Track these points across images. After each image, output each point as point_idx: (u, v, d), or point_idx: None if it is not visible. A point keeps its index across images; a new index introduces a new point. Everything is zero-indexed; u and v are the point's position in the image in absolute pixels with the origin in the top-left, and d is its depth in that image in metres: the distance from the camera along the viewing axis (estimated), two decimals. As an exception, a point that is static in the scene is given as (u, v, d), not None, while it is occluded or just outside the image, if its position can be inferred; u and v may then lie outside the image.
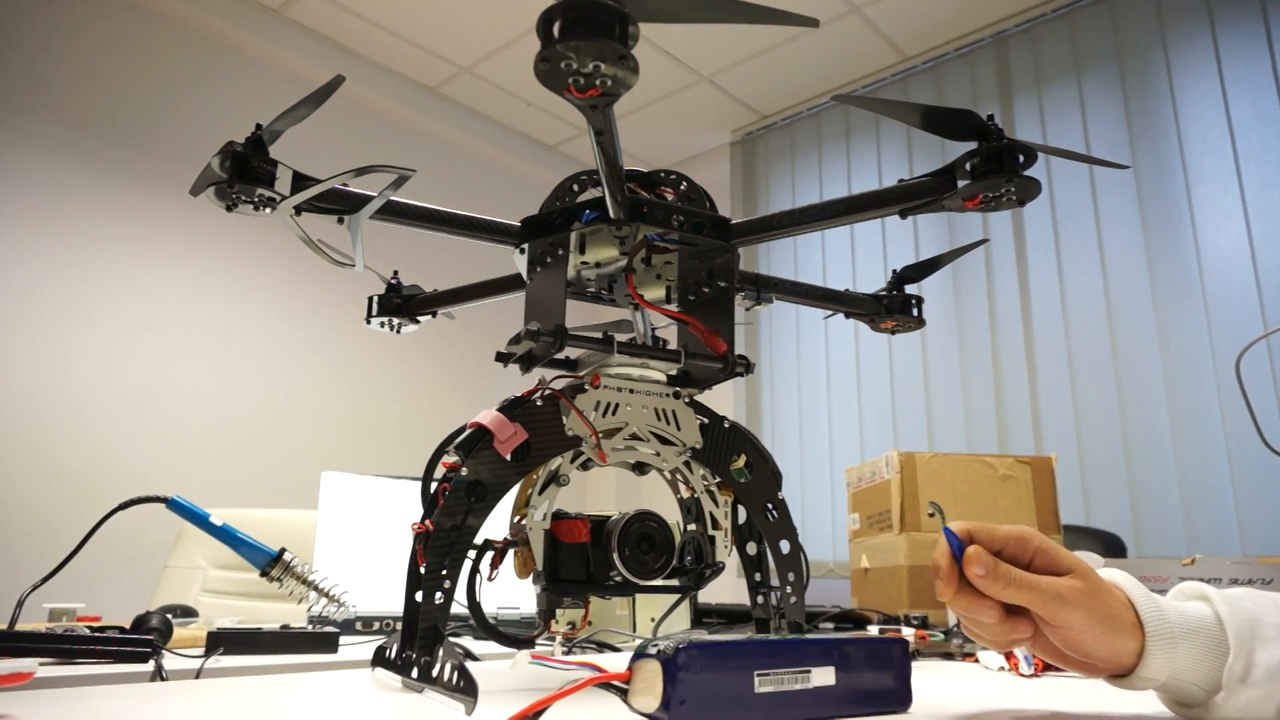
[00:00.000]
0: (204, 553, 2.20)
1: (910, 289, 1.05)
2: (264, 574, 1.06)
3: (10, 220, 2.62)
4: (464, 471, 0.73)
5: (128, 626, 0.97)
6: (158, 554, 2.22)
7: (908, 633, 1.34)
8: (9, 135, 2.64)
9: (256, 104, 3.23)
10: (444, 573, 0.71)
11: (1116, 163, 0.72)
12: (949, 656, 1.25)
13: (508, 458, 0.75)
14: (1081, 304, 2.88)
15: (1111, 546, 2.27)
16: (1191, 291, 2.67)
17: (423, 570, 0.71)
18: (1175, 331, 2.67)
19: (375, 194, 0.78)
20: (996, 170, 0.68)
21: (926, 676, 0.87)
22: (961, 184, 0.71)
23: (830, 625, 1.87)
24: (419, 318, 1.08)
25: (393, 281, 1.07)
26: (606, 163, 0.68)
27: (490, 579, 0.77)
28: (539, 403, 0.78)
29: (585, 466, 0.82)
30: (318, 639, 1.03)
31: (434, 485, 0.77)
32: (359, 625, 1.41)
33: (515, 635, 0.76)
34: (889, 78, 3.50)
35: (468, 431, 0.77)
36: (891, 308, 1.04)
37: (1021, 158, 0.68)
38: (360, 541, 1.58)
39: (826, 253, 3.58)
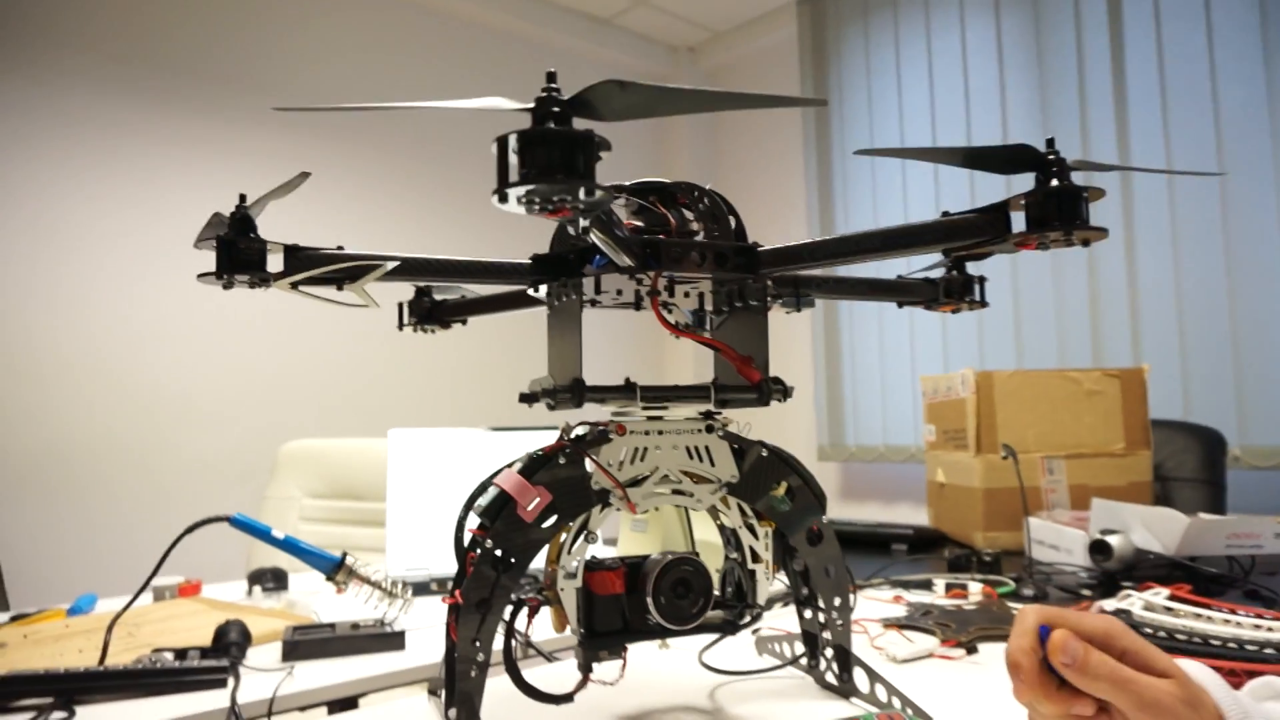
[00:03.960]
0: (298, 482, 2.32)
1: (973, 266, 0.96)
2: (329, 578, 1.10)
3: (70, 158, 2.66)
4: (489, 544, 0.72)
5: (210, 642, 1.03)
6: (257, 476, 2.36)
7: (975, 588, 1.32)
8: (60, 73, 2.64)
9: (293, 16, 3.13)
10: (476, 644, 0.72)
11: (1207, 172, 0.61)
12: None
13: (532, 522, 0.74)
14: (1190, 163, 2.60)
15: (1210, 442, 2.16)
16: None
17: (455, 644, 0.71)
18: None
19: (375, 256, 0.73)
20: (1054, 217, 0.58)
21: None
22: (1015, 226, 0.62)
23: (904, 547, 1.87)
24: (451, 323, 1.05)
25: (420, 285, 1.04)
26: (603, 241, 0.61)
27: (525, 637, 0.77)
28: (562, 461, 0.76)
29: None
30: (385, 639, 1.08)
31: (466, 536, 0.77)
32: (435, 586, 1.48)
33: (554, 696, 0.76)
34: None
35: (490, 494, 0.76)
36: (951, 291, 0.95)
37: (1085, 196, 0.58)
38: (431, 496, 1.62)
39: (907, 175, 3.32)
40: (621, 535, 1.39)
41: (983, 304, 0.95)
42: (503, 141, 0.46)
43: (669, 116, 4.10)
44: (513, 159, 0.46)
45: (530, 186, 0.45)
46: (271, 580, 1.48)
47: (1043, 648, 0.53)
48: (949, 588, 1.32)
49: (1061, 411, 1.79)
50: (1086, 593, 1.31)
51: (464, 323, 1.04)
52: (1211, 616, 1.05)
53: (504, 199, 0.47)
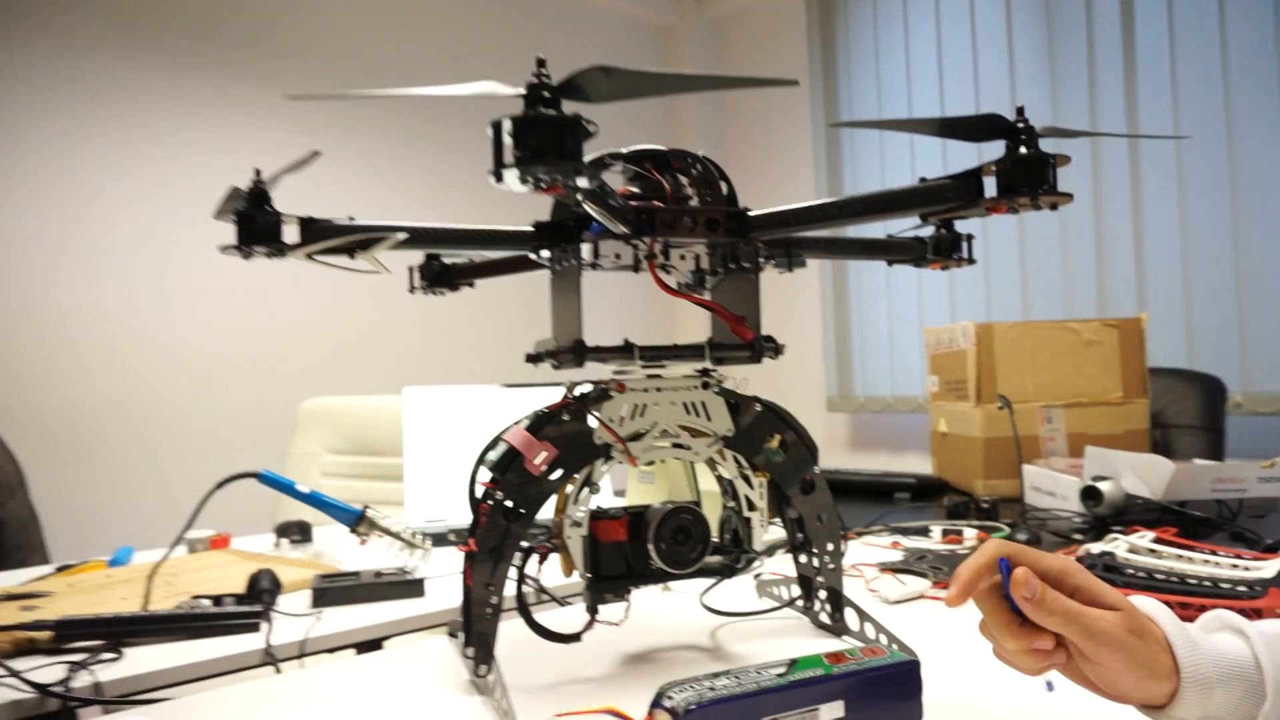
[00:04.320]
0: (319, 439, 2.39)
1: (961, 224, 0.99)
2: (352, 530, 1.16)
3: (94, 126, 2.70)
4: (499, 494, 0.78)
5: (244, 589, 1.10)
6: (280, 433, 2.43)
7: (970, 534, 1.37)
8: (87, 38, 2.67)
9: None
10: (490, 589, 0.78)
11: (1170, 135, 0.64)
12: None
13: (540, 475, 0.79)
14: (1197, 116, 2.58)
15: (1210, 389, 2.19)
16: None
17: (470, 588, 0.77)
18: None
19: (381, 224, 0.78)
20: (1022, 183, 0.62)
21: (944, 674, 0.78)
22: (988, 191, 0.65)
23: (907, 495, 1.93)
24: (460, 285, 1.09)
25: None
26: (597, 211, 0.65)
27: (537, 582, 0.83)
28: (566, 417, 0.81)
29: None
30: (407, 586, 1.14)
31: (479, 489, 0.82)
32: (452, 537, 1.54)
33: (563, 635, 0.82)
34: None
35: (500, 449, 0.81)
36: (939, 249, 0.98)
37: (1053, 163, 0.62)
38: (447, 451, 1.68)
39: (912, 87, 3.29)
40: (630, 486, 1.45)
41: (970, 261, 0.98)
42: (497, 125, 0.49)
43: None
44: (507, 140, 0.50)
45: (524, 167, 0.49)
46: (297, 533, 1.55)
47: (1006, 584, 0.58)
48: (945, 533, 1.37)
49: (1061, 362, 1.82)
50: (1079, 537, 1.35)
51: (471, 285, 1.08)
52: (1192, 557, 1.10)
53: (500, 178, 0.51)
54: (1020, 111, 0.63)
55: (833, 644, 0.89)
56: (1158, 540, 1.15)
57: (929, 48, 3.26)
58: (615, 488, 1.60)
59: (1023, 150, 0.63)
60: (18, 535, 1.82)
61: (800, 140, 3.76)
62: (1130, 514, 1.38)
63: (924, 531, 1.41)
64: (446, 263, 1.09)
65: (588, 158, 0.77)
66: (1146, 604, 0.60)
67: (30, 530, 1.87)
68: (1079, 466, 1.56)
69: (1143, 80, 2.69)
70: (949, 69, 3.20)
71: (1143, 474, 1.35)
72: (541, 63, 0.51)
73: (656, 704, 0.62)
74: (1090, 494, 1.38)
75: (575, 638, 0.83)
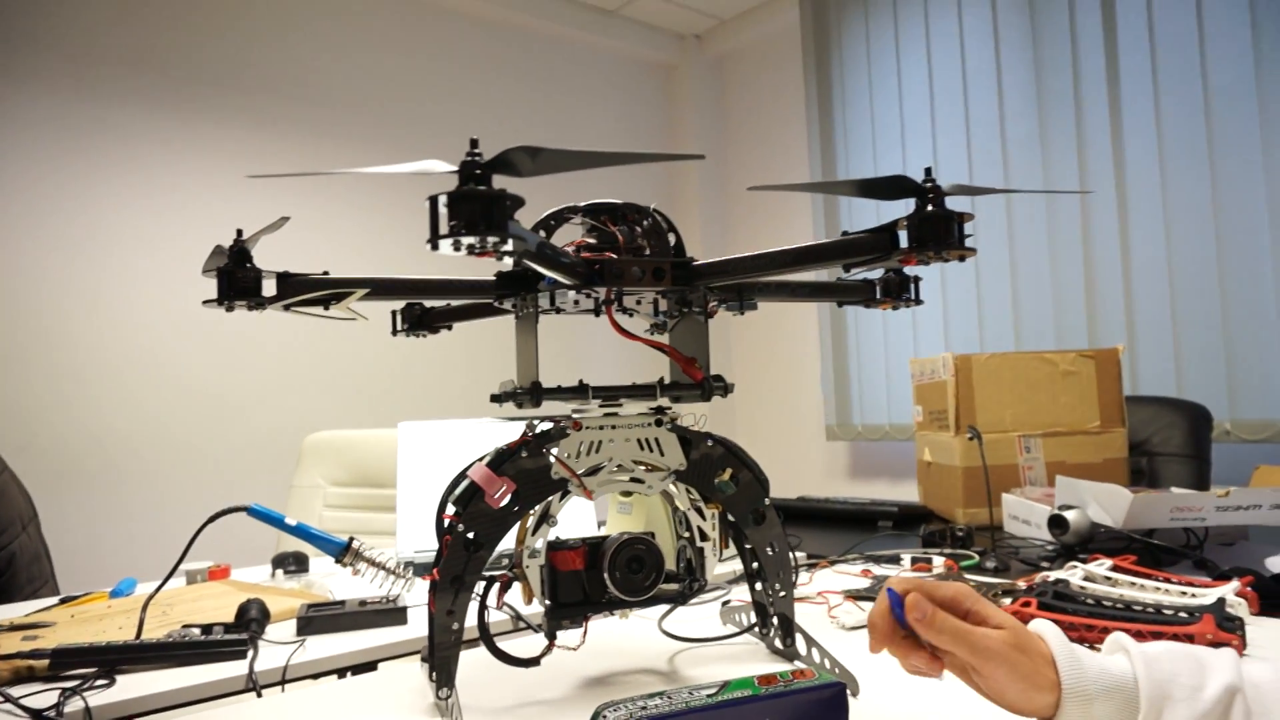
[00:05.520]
0: (322, 472, 2.46)
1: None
2: (338, 561, 1.22)
3: (106, 167, 2.81)
4: (460, 528, 0.83)
5: (233, 618, 1.15)
6: (284, 466, 2.49)
7: (938, 562, 1.41)
8: (108, 88, 2.79)
9: (302, 14, 3.24)
10: (451, 615, 0.83)
11: (1073, 190, 0.69)
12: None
13: (500, 509, 0.84)
14: (1180, 147, 2.64)
15: (1195, 418, 2.22)
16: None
17: (434, 615, 0.82)
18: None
19: (349, 278, 0.84)
20: (930, 238, 0.67)
21: (886, 698, 0.81)
22: (902, 244, 0.71)
23: (889, 524, 1.96)
24: (440, 328, 1.15)
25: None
26: (542, 267, 0.71)
27: (499, 607, 0.88)
28: (525, 454, 0.86)
29: (578, 496, 0.90)
30: (390, 614, 1.20)
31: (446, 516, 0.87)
32: (441, 567, 1.59)
33: (522, 660, 0.87)
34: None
35: (464, 484, 0.86)
36: (888, 290, 1.04)
37: (957, 223, 0.67)
38: (439, 484, 1.73)
39: (907, 154, 3.37)
40: (610, 516, 1.50)
41: (918, 301, 1.03)
42: (434, 200, 0.56)
43: (655, 123, 4.14)
44: (443, 212, 0.56)
45: (456, 236, 0.55)
46: (293, 563, 1.61)
47: (898, 611, 0.63)
48: (914, 561, 1.41)
49: (1039, 392, 1.87)
50: (1045, 565, 1.39)
51: (449, 328, 1.14)
52: (1144, 585, 1.13)
53: (436, 246, 0.57)
54: (928, 172, 0.69)
55: (782, 668, 0.93)
56: (1114, 568, 1.18)
57: (921, 78, 3.34)
58: (598, 517, 1.65)
59: (929, 209, 0.68)
60: (29, 568, 1.88)
61: (798, 159, 3.84)
62: (1098, 542, 1.41)
63: (895, 560, 1.45)
64: (427, 305, 1.15)
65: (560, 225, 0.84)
66: (1040, 625, 0.65)
67: (41, 562, 1.94)
68: (1052, 495, 1.60)
69: (1126, 111, 2.75)
70: (940, 101, 3.27)
71: (1104, 503, 1.38)
72: (474, 143, 0.58)
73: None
74: (1056, 522, 1.42)
75: (534, 662, 0.88)
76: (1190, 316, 2.60)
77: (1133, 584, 1.14)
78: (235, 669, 1.02)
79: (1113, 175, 2.76)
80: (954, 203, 0.71)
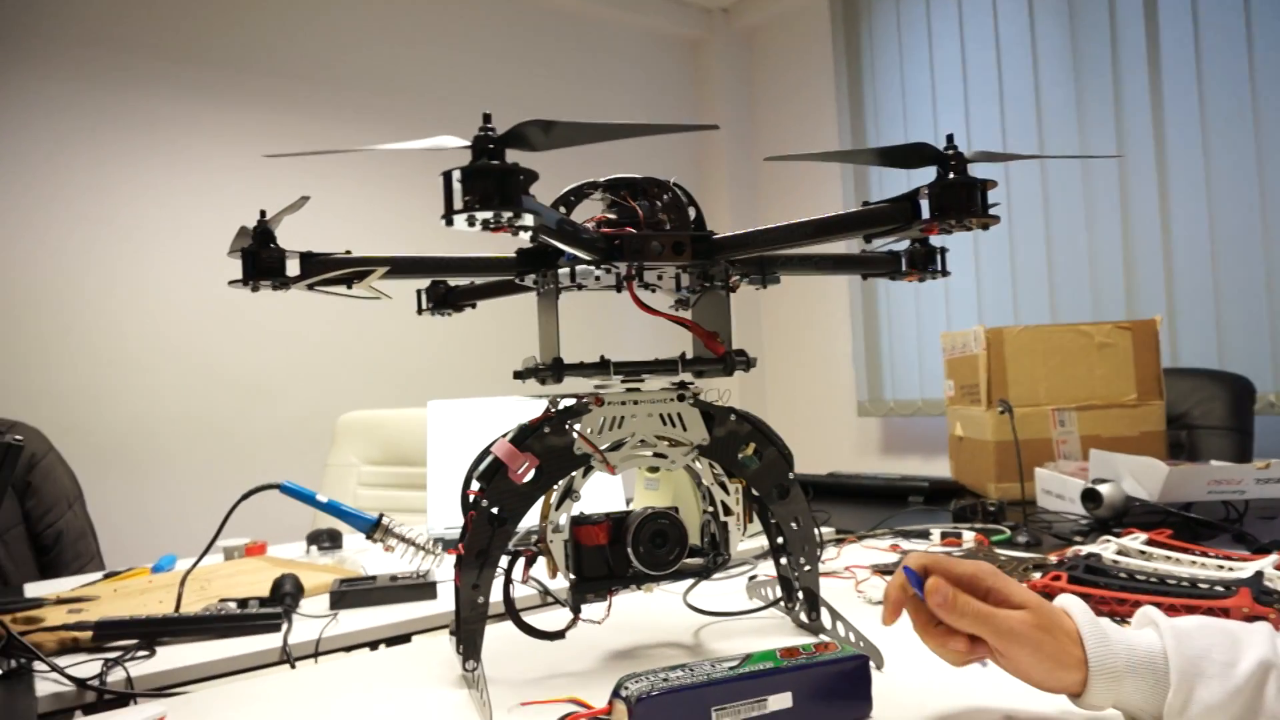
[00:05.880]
0: (356, 451, 2.49)
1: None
2: (369, 537, 1.23)
3: (143, 159, 2.86)
4: (484, 503, 0.84)
5: (269, 593, 1.18)
6: (320, 446, 2.54)
7: (969, 537, 1.40)
8: (142, 78, 2.83)
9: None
10: (476, 589, 0.84)
11: (1105, 154, 0.67)
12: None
13: (523, 484, 0.85)
14: (1222, 112, 2.56)
15: (1238, 390, 2.16)
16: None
17: (459, 589, 0.83)
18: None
19: (370, 257, 0.84)
20: (951, 206, 0.66)
21: (909, 671, 0.79)
22: (924, 213, 0.69)
23: (920, 499, 1.95)
24: (464, 306, 1.16)
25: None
26: (561, 242, 0.71)
27: (524, 581, 0.89)
28: (547, 430, 0.87)
29: (601, 471, 0.90)
30: (420, 589, 1.22)
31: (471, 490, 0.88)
32: (471, 543, 1.61)
33: (547, 633, 0.88)
34: None
35: (488, 460, 0.87)
36: (914, 262, 1.02)
37: (980, 190, 0.66)
38: (468, 461, 1.75)
39: (939, 123, 3.30)
40: (637, 491, 1.50)
41: (945, 273, 1.02)
42: (448, 175, 0.56)
43: (688, 90, 4.10)
44: (456, 188, 0.56)
45: (470, 212, 0.55)
46: (327, 540, 1.64)
47: (919, 592, 0.62)
48: (944, 536, 1.40)
49: (1073, 364, 1.83)
50: (1078, 539, 1.37)
51: (474, 306, 1.15)
52: (1179, 559, 1.12)
53: (450, 222, 0.57)
54: (950, 139, 0.68)
55: (806, 641, 0.93)
56: (1149, 542, 1.16)
57: (953, 49, 3.27)
58: (626, 495, 1.65)
59: (951, 176, 0.67)
60: (75, 544, 1.94)
61: (826, 130, 3.79)
62: (1131, 516, 1.39)
63: (924, 534, 1.44)
64: (451, 284, 1.16)
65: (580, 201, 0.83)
66: (1066, 601, 0.64)
67: (87, 539, 1.99)
68: (1086, 469, 1.58)
69: (1167, 78, 2.67)
70: (972, 70, 3.20)
71: (1140, 477, 1.36)
72: (487, 118, 0.58)
73: (615, 694, 0.68)
74: (1090, 496, 1.40)
75: (559, 635, 0.89)
76: (1233, 286, 2.54)
77: (1167, 558, 1.12)
78: (270, 641, 1.05)
79: (1152, 142, 2.69)
80: (979, 171, 0.70)
